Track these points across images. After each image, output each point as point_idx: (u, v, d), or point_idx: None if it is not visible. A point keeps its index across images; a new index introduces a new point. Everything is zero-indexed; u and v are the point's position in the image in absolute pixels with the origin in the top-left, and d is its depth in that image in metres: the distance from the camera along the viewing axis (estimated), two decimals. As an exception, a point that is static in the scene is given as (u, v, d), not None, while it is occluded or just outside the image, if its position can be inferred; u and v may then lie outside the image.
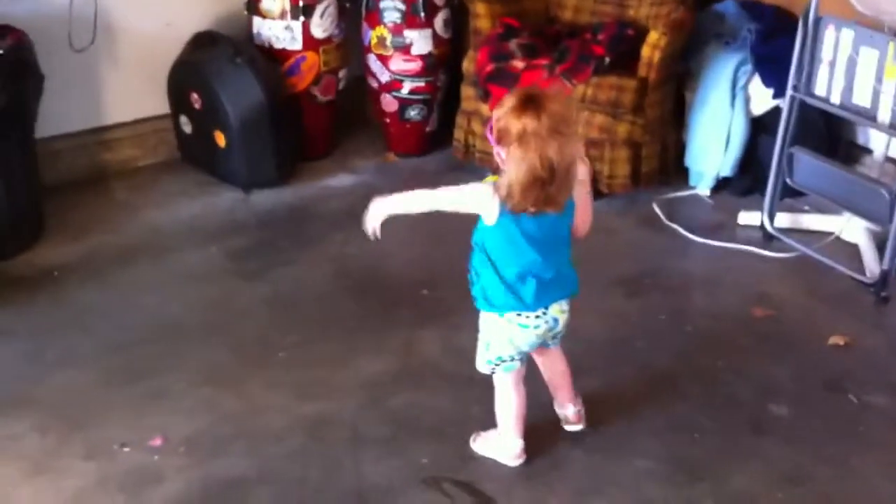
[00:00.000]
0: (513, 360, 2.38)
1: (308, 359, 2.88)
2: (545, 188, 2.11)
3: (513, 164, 2.10)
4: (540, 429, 2.56)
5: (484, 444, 2.53)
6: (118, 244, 3.46)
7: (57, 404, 2.67)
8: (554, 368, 2.54)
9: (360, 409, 2.67)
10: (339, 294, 3.20)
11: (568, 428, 2.60)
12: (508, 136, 2.10)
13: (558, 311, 2.34)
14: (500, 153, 2.16)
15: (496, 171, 2.23)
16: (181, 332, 2.99)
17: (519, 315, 2.30)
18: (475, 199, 2.21)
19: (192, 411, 2.65)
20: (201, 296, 3.18)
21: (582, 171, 2.21)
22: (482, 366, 2.43)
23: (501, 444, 2.50)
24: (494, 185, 2.18)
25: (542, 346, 2.43)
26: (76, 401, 2.69)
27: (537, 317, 2.31)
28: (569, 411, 2.59)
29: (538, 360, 2.54)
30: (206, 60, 3.77)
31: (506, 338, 2.34)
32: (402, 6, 3.91)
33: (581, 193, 2.25)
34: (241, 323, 3.05)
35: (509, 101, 2.12)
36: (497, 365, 2.39)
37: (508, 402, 2.45)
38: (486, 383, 2.72)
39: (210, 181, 3.88)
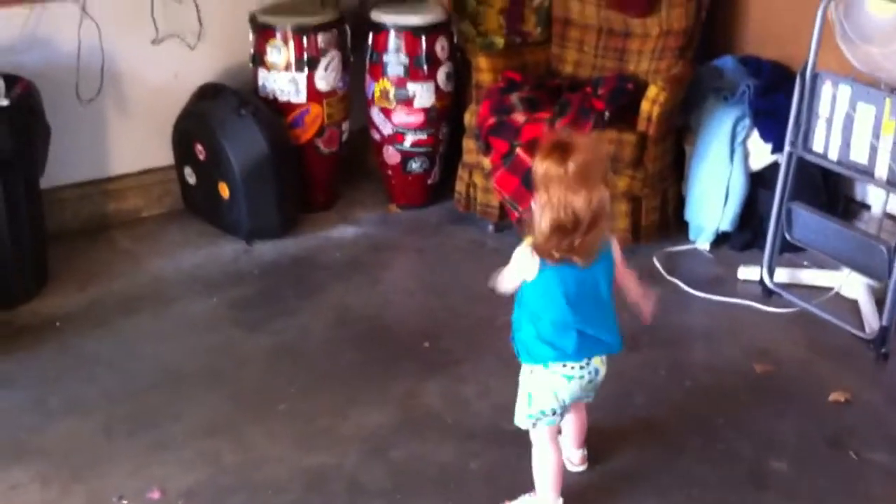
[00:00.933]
0: (554, 413, 2.37)
1: (309, 409, 2.88)
2: (569, 236, 2.14)
3: (538, 208, 2.15)
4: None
5: None
6: (122, 293, 3.48)
7: (59, 454, 2.67)
8: (577, 420, 2.58)
9: (361, 461, 2.67)
10: (341, 345, 3.22)
11: (572, 469, 2.63)
12: (535, 179, 2.16)
13: (599, 362, 2.35)
14: (535, 200, 2.20)
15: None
16: (183, 381, 3.00)
17: (564, 366, 2.30)
18: (520, 263, 2.25)
19: (192, 462, 2.65)
20: (203, 346, 3.19)
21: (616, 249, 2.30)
22: (522, 421, 2.42)
23: None
24: (531, 241, 2.22)
25: (577, 400, 2.44)
26: (78, 451, 2.69)
27: (581, 367, 2.31)
28: (577, 454, 2.64)
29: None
30: (210, 112, 3.81)
31: (550, 389, 2.33)
32: (405, 60, 3.96)
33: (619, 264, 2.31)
34: (242, 373, 3.06)
35: (542, 145, 2.18)
36: (539, 419, 2.38)
37: (547, 458, 2.43)
38: (488, 437, 2.73)
39: (213, 232, 3.91)
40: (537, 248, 2.19)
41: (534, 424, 2.40)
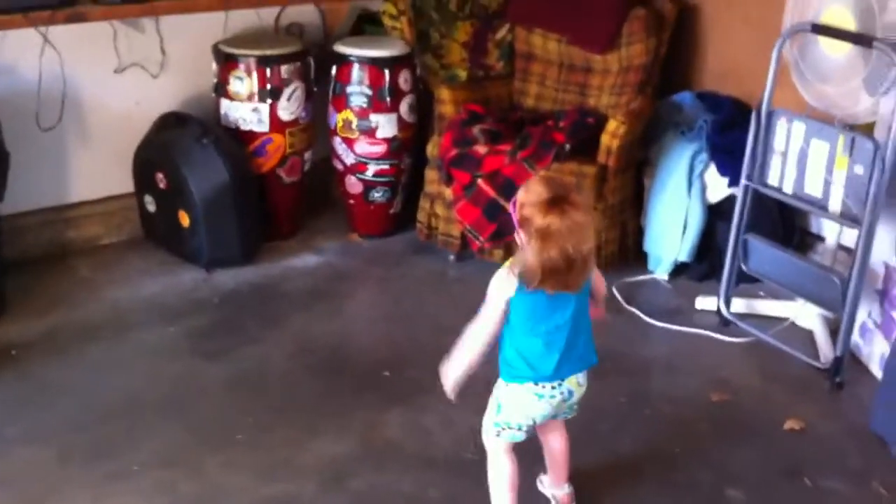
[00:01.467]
0: (520, 429, 2.40)
1: (268, 440, 2.86)
2: (563, 277, 2.20)
3: (532, 253, 2.18)
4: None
5: None
6: (80, 322, 3.45)
7: (16, 483, 2.63)
8: (557, 446, 2.58)
9: (320, 491, 2.66)
10: (301, 374, 3.21)
11: None
12: (530, 227, 2.18)
13: (575, 383, 2.38)
14: (520, 235, 2.24)
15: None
16: (141, 411, 2.97)
17: (536, 384, 2.33)
18: (499, 293, 2.28)
19: (149, 493, 2.62)
20: (162, 375, 3.17)
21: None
22: (489, 426, 2.45)
23: None
24: (510, 267, 2.26)
25: (552, 417, 2.46)
26: (36, 480, 2.65)
27: (553, 387, 2.35)
28: (562, 491, 2.62)
29: (543, 436, 2.57)
30: (172, 141, 3.81)
31: (521, 406, 2.37)
32: (368, 91, 3.98)
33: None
34: (201, 403, 3.04)
35: (536, 192, 2.20)
36: (503, 430, 2.41)
37: (501, 470, 2.45)
38: (448, 467, 2.73)
39: (173, 260, 3.89)
40: (528, 281, 2.21)
41: (498, 434, 2.42)
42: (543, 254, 2.16)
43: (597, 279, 2.45)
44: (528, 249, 2.20)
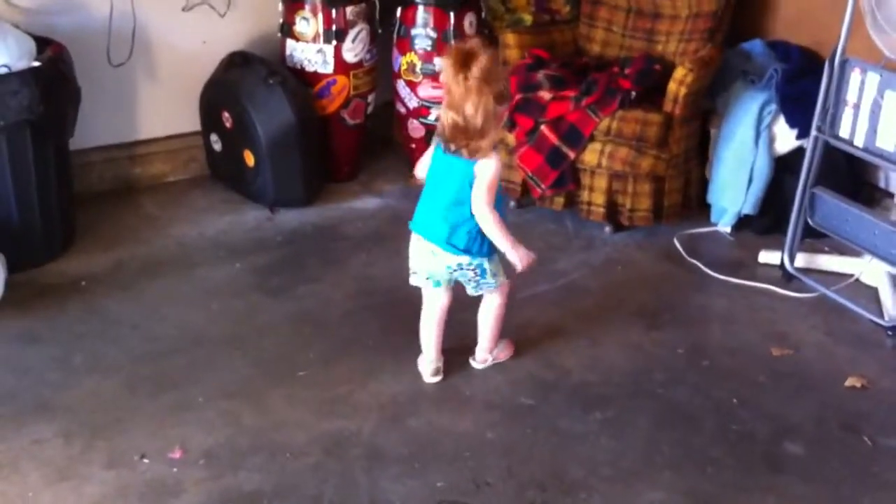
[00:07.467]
0: (415, 273, 2.84)
1: (329, 376, 2.91)
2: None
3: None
4: (553, 456, 2.60)
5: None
6: (146, 257, 3.52)
7: (82, 411, 2.71)
8: (481, 312, 2.93)
9: (379, 429, 2.70)
10: (362, 314, 3.24)
11: (472, 363, 2.98)
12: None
13: (429, 251, 2.74)
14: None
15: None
16: (205, 345, 3.03)
17: (412, 230, 2.79)
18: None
19: (212, 424, 2.69)
20: (225, 310, 3.23)
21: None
22: None
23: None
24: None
25: (445, 282, 2.82)
26: (101, 409, 2.73)
27: (417, 238, 2.76)
28: (478, 355, 2.97)
29: None
30: (238, 80, 3.83)
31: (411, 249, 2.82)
32: (433, 34, 3.96)
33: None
34: (263, 338, 3.09)
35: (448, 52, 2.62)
36: (412, 273, 2.86)
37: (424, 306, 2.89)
38: (504, 409, 2.76)
39: (237, 199, 3.94)
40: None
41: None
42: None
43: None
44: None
